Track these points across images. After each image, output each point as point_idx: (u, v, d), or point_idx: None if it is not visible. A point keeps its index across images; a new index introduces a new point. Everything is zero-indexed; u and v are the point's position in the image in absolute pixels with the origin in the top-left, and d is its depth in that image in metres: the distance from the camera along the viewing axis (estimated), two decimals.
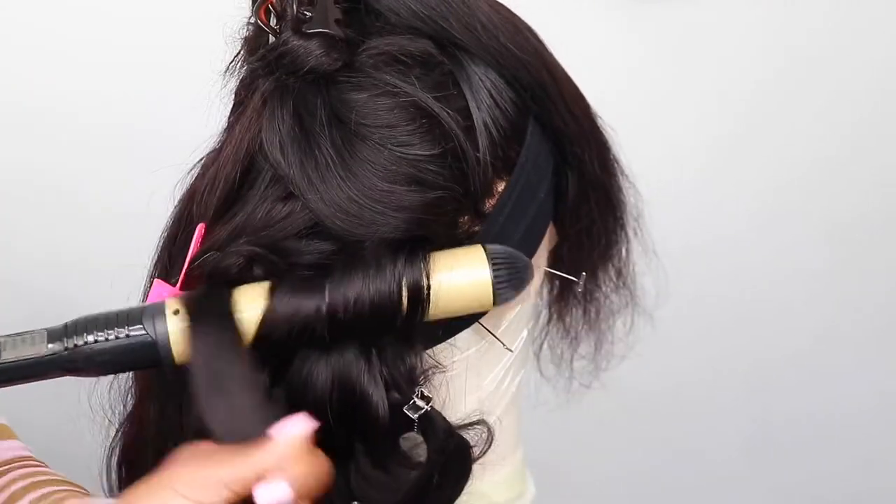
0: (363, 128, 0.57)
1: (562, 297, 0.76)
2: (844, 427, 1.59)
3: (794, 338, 1.52)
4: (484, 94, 0.60)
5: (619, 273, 0.76)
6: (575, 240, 0.69)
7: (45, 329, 0.55)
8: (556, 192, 0.65)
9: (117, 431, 0.67)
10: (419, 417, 0.58)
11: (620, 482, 1.59)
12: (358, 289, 0.54)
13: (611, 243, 0.73)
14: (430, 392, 0.60)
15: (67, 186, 1.23)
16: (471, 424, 0.62)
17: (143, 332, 0.55)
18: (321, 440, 0.55)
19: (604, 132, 0.69)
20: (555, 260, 0.69)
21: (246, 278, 0.56)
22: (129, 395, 0.66)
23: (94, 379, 0.62)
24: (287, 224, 0.57)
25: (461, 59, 0.60)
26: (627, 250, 0.75)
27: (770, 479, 1.61)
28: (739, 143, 1.40)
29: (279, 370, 0.57)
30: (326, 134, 0.57)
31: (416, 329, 0.57)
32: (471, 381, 0.65)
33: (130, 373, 0.66)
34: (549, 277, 0.72)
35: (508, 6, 0.65)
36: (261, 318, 0.54)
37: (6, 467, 0.67)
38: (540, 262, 0.66)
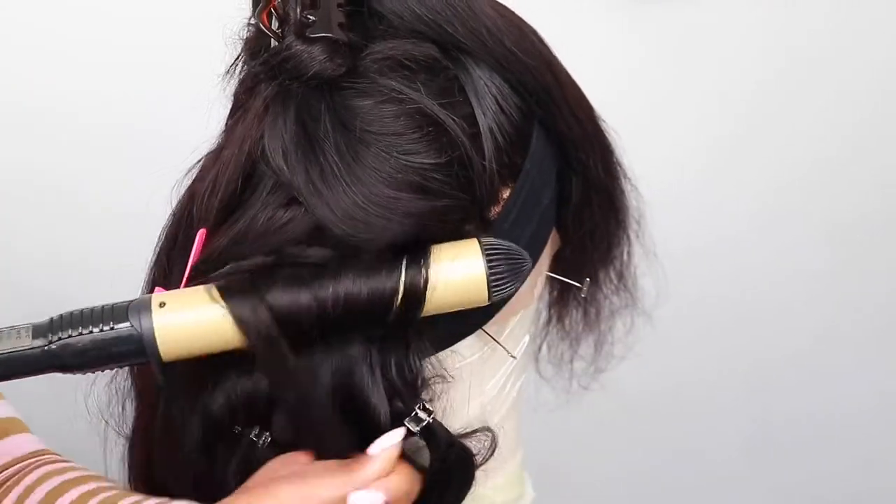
0: (368, 135, 0.56)
1: (562, 299, 0.76)
2: (844, 427, 1.59)
3: (794, 338, 1.52)
4: (489, 99, 0.59)
5: (620, 275, 0.76)
6: (577, 243, 0.69)
7: (31, 324, 0.54)
8: (559, 197, 0.65)
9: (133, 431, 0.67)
10: (421, 429, 0.58)
11: (620, 482, 1.59)
12: (357, 282, 0.54)
13: (612, 246, 0.72)
14: (432, 401, 0.59)
15: (67, 186, 1.22)
16: (475, 432, 0.62)
17: (129, 326, 0.54)
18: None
19: (607, 135, 0.68)
20: (556, 263, 0.69)
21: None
22: (129, 396, 0.66)
23: (91, 379, 0.61)
24: (288, 230, 0.57)
25: (466, 63, 0.59)
26: (629, 252, 0.75)
27: (770, 479, 1.61)
28: (740, 143, 1.40)
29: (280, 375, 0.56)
30: (331, 140, 0.56)
31: (416, 329, 0.57)
32: (473, 387, 0.64)
33: (130, 373, 0.66)
34: (551, 281, 0.71)
35: (511, 8, 0.64)
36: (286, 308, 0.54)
37: (34, 460, 0.66)
38: (542, 266, 0.66)
